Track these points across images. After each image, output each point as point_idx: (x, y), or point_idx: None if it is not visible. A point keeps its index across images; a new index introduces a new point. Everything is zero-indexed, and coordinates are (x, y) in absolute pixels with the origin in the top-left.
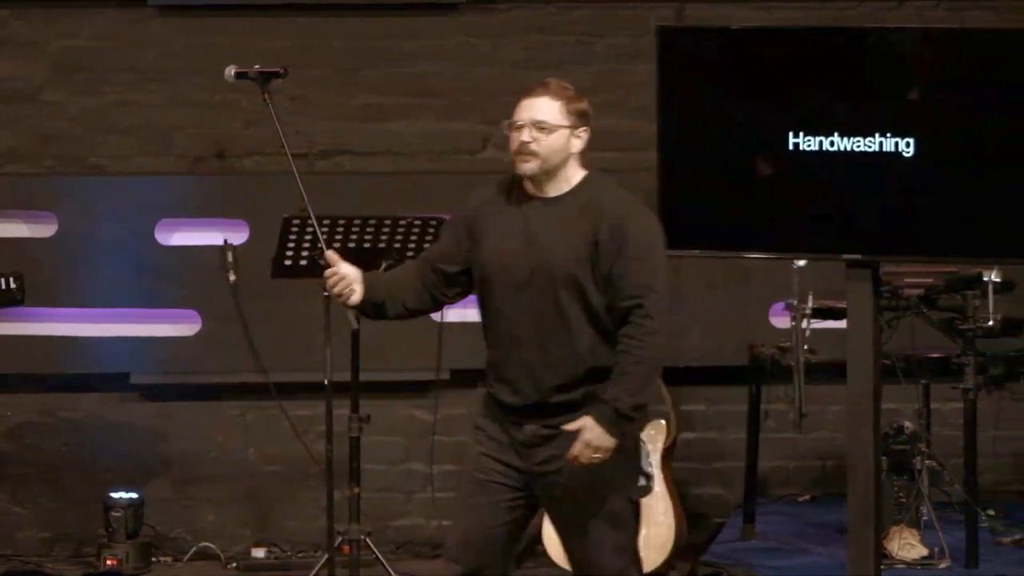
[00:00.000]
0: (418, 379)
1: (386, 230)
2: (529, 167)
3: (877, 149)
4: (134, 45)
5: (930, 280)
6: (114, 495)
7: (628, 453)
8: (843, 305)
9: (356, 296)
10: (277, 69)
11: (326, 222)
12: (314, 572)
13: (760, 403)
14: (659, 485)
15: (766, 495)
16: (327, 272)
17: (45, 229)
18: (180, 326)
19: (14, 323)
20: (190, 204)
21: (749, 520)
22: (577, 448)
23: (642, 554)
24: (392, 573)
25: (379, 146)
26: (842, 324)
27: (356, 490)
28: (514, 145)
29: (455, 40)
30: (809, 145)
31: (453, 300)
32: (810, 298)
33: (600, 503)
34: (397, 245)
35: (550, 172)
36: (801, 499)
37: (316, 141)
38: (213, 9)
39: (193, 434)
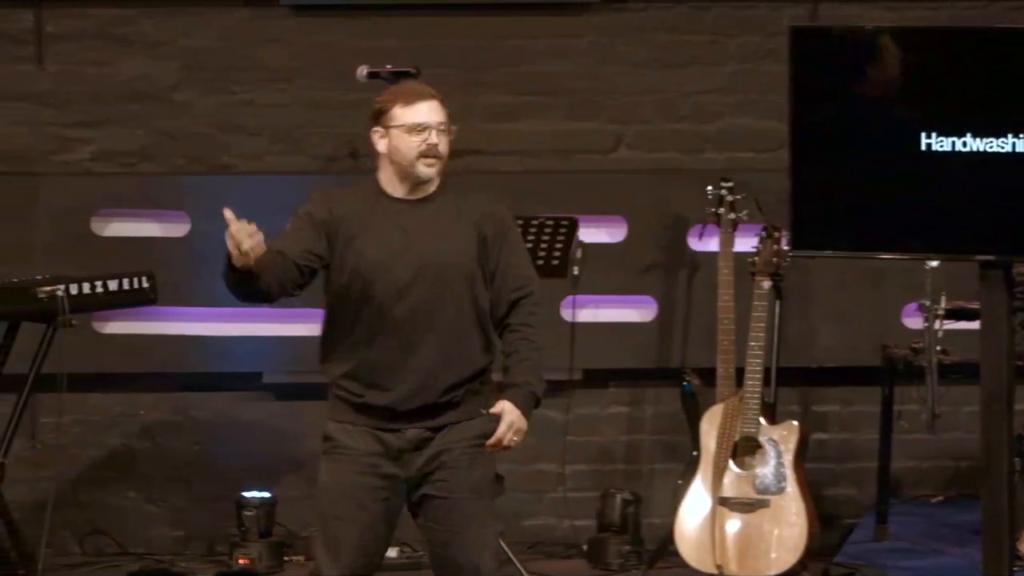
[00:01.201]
0: (550, 379)
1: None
2: (435, 170)
3: (1010, 150)
4: (264, 44)
5: None
6: (247, 494)
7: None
8: (976, 306)
9: (260, 251)
10: (409, 69)
11: None
12: None
13: (893, 404)
14: (791, 486)
15: (899, 496)
16: (237, 227)
17: (178, 228)
18: (312, 325)
19: (147, 322)
20: None
21: (882, 521)
22: (501, 431)
23: (774, 555)
24: (524, 573)
25: (508, 146)
26: (975, 325)
27: None
28: (418, 147)
29: (586, 39)
30: (942, 145)
31: (292, 295)
32: (943, 299)
33: (478, 502)
34: (528, 245)
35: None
36: (934, 500)
37: None
38: (343, 9)
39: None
